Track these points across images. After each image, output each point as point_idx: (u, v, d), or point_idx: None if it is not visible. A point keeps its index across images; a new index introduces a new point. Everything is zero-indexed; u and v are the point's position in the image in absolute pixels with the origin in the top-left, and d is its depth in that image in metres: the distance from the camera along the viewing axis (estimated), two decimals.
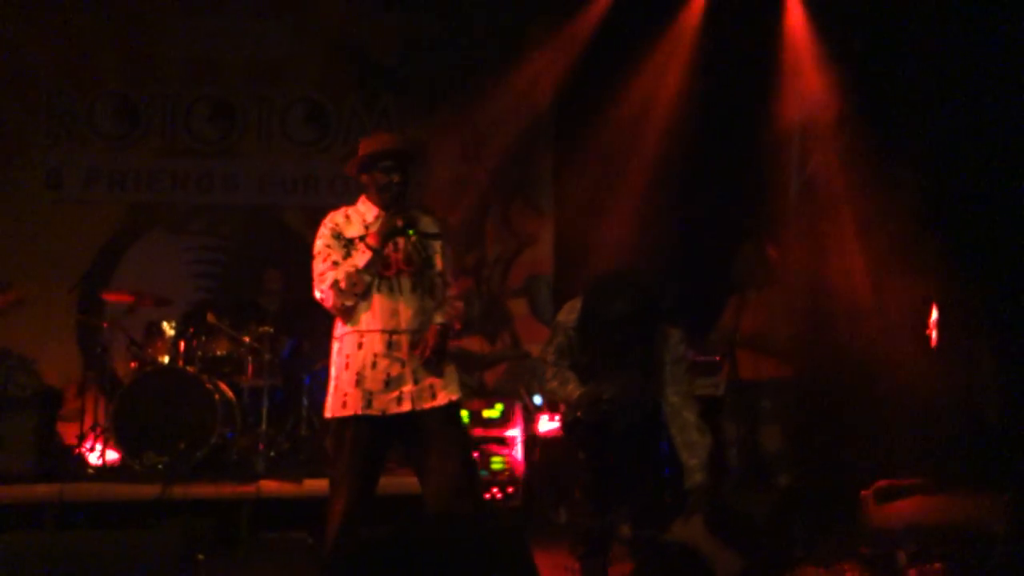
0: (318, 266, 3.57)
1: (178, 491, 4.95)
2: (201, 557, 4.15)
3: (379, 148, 3.65)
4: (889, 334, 5.35)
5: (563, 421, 3.99)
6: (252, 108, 7.15)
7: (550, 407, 3.96)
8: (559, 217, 7.28)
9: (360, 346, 3.50)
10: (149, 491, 4.96)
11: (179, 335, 5.61)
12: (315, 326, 6.44)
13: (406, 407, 3.47)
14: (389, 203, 3.62)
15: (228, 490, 5.09)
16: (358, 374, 3.48)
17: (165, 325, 5.68)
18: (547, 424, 5.79)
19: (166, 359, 5.59)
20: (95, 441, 5.66)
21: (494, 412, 5.86)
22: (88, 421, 5.77)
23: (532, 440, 5.84)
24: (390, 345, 3.48)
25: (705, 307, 5.51)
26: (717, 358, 5.56)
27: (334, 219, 3.65)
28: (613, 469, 3.80)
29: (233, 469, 5.33)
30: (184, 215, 7.06)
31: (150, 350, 5.66)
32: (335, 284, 3.47)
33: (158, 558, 3.42)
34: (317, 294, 3.58)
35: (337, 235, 3.59)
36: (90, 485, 5.20)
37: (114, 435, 5.35)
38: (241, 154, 7.13)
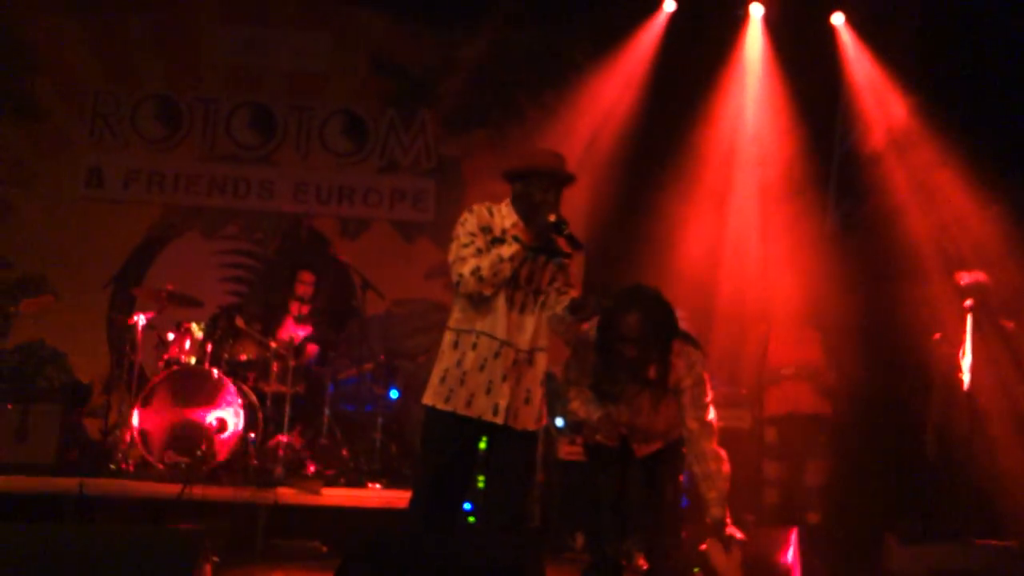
0: (459, 250, 3.53)
1: (196, 492, 4.98)
2: (216, 559, 4.17)
3: (544, 166, 3.62)
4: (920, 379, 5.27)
5: (584, 444, 3.97)
6: (291, 117, 7.24)
7: (572, 429, 3.91)
8: (589, 244, 7.24)
9: (474, 347, 3.51)
10: (168, 490, 4.99)
11: (207, 337, 5.66)
12: (341, 335, 6.51)
13: (500, 419, 3.47)
14: (533, 217, 3.56)
15: (246, 495, 5.11)
16: (465, 373, 3.50)
17: (194, 326, 5.73)
18: (567, 448, 5.75)
19: (193, 360, 5.63)
20: (118, 437, 5.70)
21: None
22: (113, 417, 5.82)
23: (552, 463, 5.80)
24: (497, 355, 3.48)
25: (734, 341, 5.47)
26: (743, 391, 5.52)
27: (481, 210, 3.61)
28: (631, 497, 3.76)
29: (252, 474, 5.35)
30: (219, 219, 7.14)
31: (177, 350, 5.70)
32: (476, 270, 3.45)
33: (172, 557, 3.44)
34: (454, 277, 3.54)
35: (485, 227, 3.55)
36: (110, 481, 5.24)
37: (137, 433, 5.39)
38: (278, 162, 7.21)
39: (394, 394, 6.20)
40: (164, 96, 7.18)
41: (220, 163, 7.16)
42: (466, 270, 3.47)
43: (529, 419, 3.52)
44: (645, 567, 3.95)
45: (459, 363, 3.52)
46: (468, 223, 3.56)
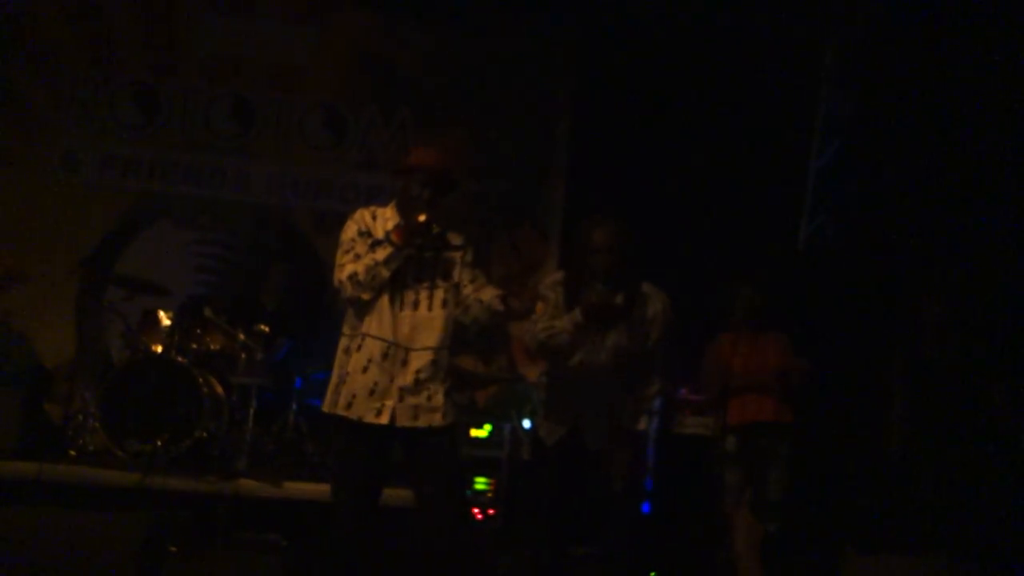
0: (340, 256, 3.60)
1: (157, 481, 4.93)
2: (173, 549, 4.15)
3: (417, 162, 3.66)
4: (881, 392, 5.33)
5: (533, 441, 3.98)
6: (271, 109, 7.20)
7: (539, 352, 3.87)
8: (566, 245, 7.29)
9: (359, 348, 3.54)
10: (128, 478, 4.94)
11: (175, 326, 5.62)
12: (312, 330, 6.48)
13: (384, 419, 3.48)
14: (405, 217, 3.61)
15: (207, 485, 5.07)
16: (347, 375, 3.54)
17: (162, 315, 5.69)
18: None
19: (159, 348, 5.59)
20: (80, 423, 5.65)
21: (482, 433, 5.84)
22: (76, 403, 5.76)
23: (518, 464, 5.81)
24: (386, 355, 3.50)
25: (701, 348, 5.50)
26: (708, 398, 5.54)
27: (363, 215, 3.67)
28: (582, 497, 3.78)
29: (214, 465, 5.30)
30: (193, 208, 7.09)
31: (144, 338, 5.66)
32: (353, 276, 3.49)
33: (127, 543, 3.42)
34: (336, 283, 3.60)
35: (363, 232, 3.60)
36: (70, 467, 5.17)
37: (99, 419, 5.34)
38: (256, 153, 7.17)
39: None
40: (143, 83, 7.13)
41: (197, 152, 7.12)
42: (344, 276, 3.51)
43: (433, 417, 3.50)
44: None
45: (342, 365, 3.57)
46: (348, 230, 3.63)
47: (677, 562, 4.99)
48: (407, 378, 3.49)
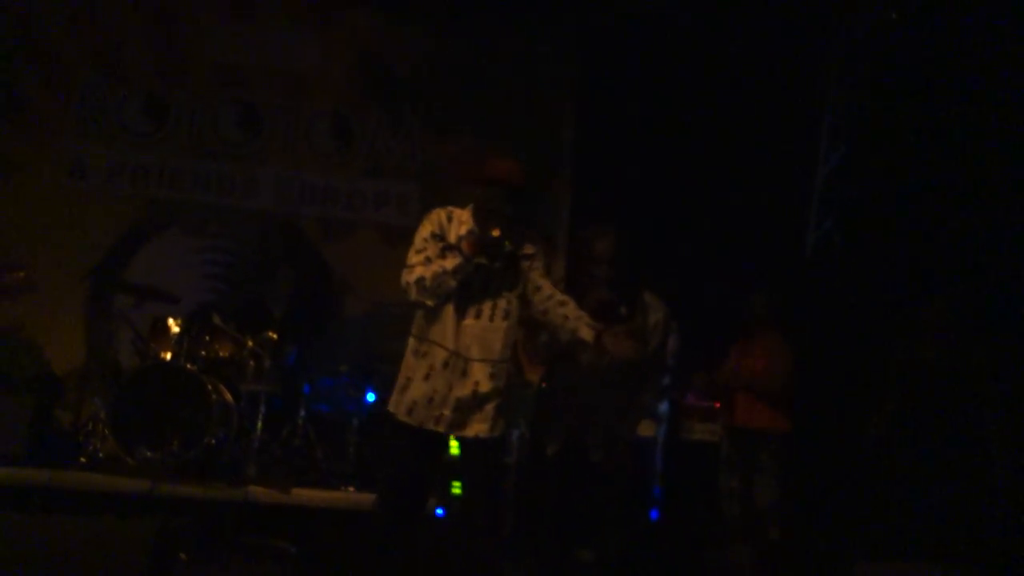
0: (411, 256, 3.57)
1: (167, 488, 4.96)
2: (183, 556, 4.16)
3: (500, 176, 3.64)
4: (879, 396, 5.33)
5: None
6: (278, 116, 7.23)
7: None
8: (571, 254, 7.30)
9: (425, 355, 3.54)
10: (138, 485, 4.96)
11: (184, 333, 5.64)
12: (319, 336, 6.51)
13: (442, 428, 3.50)
14: (483, 228, 3.60)
15: (216, 492, 5.09)
16: (410, 381, 3.54)
17: (171, 322, 5.72)
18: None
19: (169, 356, 5.62)
20: (90, 431, 5.67)
21: None
22: (85, 410, 5.79)
23: (526, 470, 5.82)
24: (446, 365, 3.50)
25: (709, 352, 5.51)
26: (716, 404, 5.56)
27: (439, 216, 3.64)
28: (585, 505, 3.80)
29: (224, 472, 5.33)
30: (201, 216, 7.11)
31: (154, 345, 5.69)
32: (420, 280, 3.47)
33: (137, 550, 3.44)
34: (402, 284, 3.56)
35: (437, 234, 3.58)
36: (80, 474, 5.21)
37: (110, 426, 5.37)
38: (263, 160, 7.20)
39: (370, 397, 6.20)
40: (151, 91, 7.16)
41: (205, 160, 7.15)
42: (412, 279, 3.48)
43: (482, 427, 3.50)
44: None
45: (410, 370, 3.56)
46: (423, 229, 3.60)
47: (686, 568, 4.99)
48: (465, 389, 3.50)
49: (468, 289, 3.49)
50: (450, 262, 3.46)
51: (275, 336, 5.79)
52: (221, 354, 5.75)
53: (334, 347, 6.59)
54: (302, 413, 5.83)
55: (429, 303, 3.48)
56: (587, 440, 3.79)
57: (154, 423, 5.28)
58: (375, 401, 6.22)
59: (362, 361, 6.31)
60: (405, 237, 6.99)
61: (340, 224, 7.20)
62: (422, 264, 3.50)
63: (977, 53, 5.67)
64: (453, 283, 3.45)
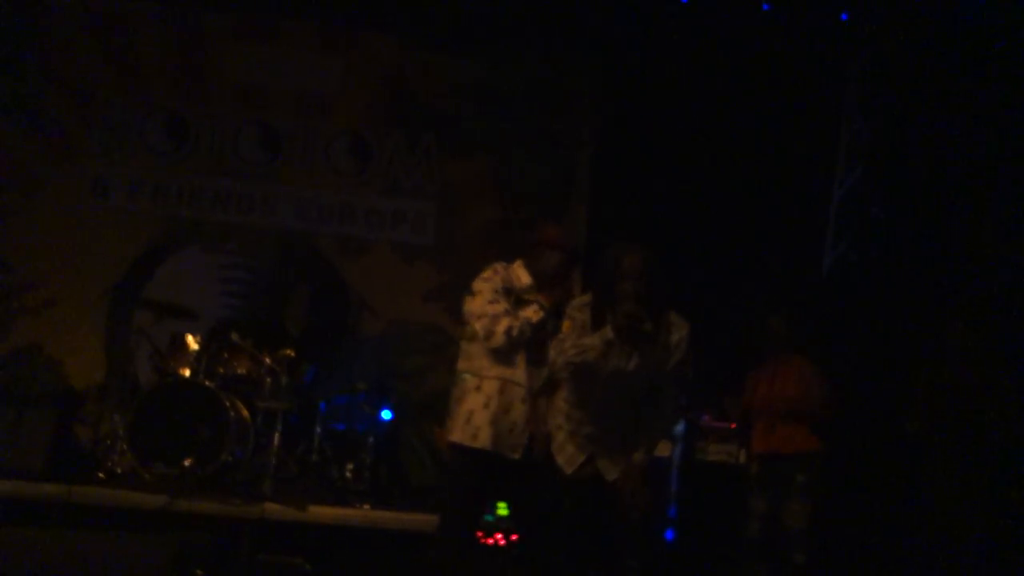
0: (487, 306, 3.96)
1: (184, 504, 4.99)
2: (199, 572, 4.18)
3: (562, 242, 4.17)
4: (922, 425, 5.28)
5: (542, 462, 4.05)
6: (297, 137, 7.29)
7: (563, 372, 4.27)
8: (589, 270, 7.30)
9: (501, 392, 3.96)
10: (155, 501, 5.00)
11: (202, 350, 5.68)
12: (336, 354, 6.55)
13: (518, 455, 3.96)
14: (548, 287, 4.08)
15: (232, 509, 5.11)
16: (494, 415, 3.92)
17: (190, 339, 5.76)
18: None
19: (187, 372, 5.66)
20: (108, 446, 5.71)
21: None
22: (104, 426, 5.83)
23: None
24: (523, 400, 3.98)
25: (726, 376, 5.51)
26: (732, 425, 5.54)
27: (505, 271, 4.08)
28: (600, 526, 3.80)
29: (240, 488, 5.35)
30: (221, 234, 7.17)
31: (172, 362, 5.73)
32: (509, 330, 3.91)
33: (154, 566, 3.46)
34: (482, 330, 3.96)
35: (508, 289, 4.01)
36: (99, 489, 5.23)
37: (128, 442, 5.40)
38: (282, 180, 7.25)
39: (386, 415, 6.22)
40: (172, 110, 7.25)
41: (225, 178, 7.21)
42: (500, 328, 3.90)
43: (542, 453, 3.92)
44: None
45: (486, 405, 3.93)
46: (493, 281, 4.01)
47: None
48: (534, 421, 3.97)
49: (535, 338, 3.98)
50: (534, 315, 3.95)
51: (292, 354, 5.82)
52: (239, 371, 5.78)
53: (350, 365, 6.61)
54: (318, 430, 5.85)
55: (514, 354, 3.96)
56: (603, 460, 3.78)
57: (172, 439, 5.32)
58: (391, 419, 6.24)
59: (378, 379, 6.34)
60: (421, 255, 7.20)
61: (357, 242, 7.25)
62: (505, 314, 3.93)
63: (992, 74, 5.68)
64: (530, 332, 3.94)
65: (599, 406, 3.77)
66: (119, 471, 5.46)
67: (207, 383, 5.52)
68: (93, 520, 4.94)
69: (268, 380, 5.72)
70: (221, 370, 5.71)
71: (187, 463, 5.21)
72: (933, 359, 5.22)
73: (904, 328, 5.92)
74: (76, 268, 6.83)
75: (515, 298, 3.99)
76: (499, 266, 4.06)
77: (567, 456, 3.82)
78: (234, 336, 5.76)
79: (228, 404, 5.42)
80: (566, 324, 3.77)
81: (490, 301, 3.93)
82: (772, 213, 6.44)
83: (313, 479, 5.70)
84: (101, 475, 5.44)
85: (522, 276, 4.06)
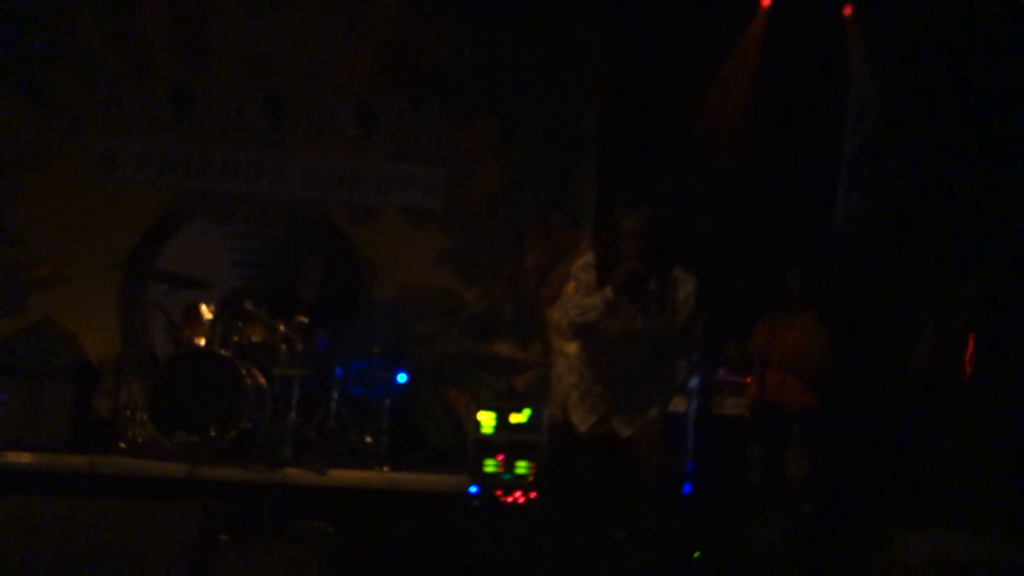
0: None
1: (205, 472, 5.05)
2: (224, 538, 4.24)
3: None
4: (923, 367, 5.30)
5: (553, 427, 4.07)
6: (303, 103, 7.25)
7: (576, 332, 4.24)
8: (598, 232, 7.29)
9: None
10: (177, 469, 5.06)
11: (216, 319, 5.71)
12: (350, 320, 6.57)
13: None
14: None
15: (254, 474, 5.17)
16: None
17: (203, 308, 5.79)
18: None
19: (202, 342, 5.69)
20: (129, 417, 5.77)
21: (521, 417, 5.88)
22: (123, 397, 5.88)
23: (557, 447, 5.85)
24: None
25: (736, 327, 5.51)
26: (747, 379, 5.55)
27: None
28: (617, 483, 3.82)
29: (260, 455, 5.41)
30: (230, 203, 7.17)
31: (187, 332, 5.77)
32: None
33: (179, 533, 3.50)
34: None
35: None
36: (120, 459, 5.31)
37: (147, 412, 5.46)
38: (289, 147, 7.23)
39: (402, 378, 6.25)
40: (177, 80, 7.21)
41: (232, 148, 7.19)
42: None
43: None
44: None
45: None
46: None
47: (720, 542, 5.01)
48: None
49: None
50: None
51: (306, 320, 5.85)
52: (253, 339, 5.82)
53: (364, 330, 6.64)
54: (335, 396, 5.89)
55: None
56: (617, 417, 3.80)
57: (190, 408, 5.37)
58: (406, 382, 6.28)
59: (393, 343, 6.37)
60: (431, 219, 7.19)
61: (366, 208, 7.24)
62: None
63: (1007, 24, 5.59)
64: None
65: (610, 365, 3.78)
66: (140, 441, 5.53)
67: (223, 352, 5.55)
68: (116, 490, 5.00)
69: (283, 347, 5.76)
70: (236, 338, 5.74)
71: (207, 431, 5.26)
72: (943, 312, 5.22)
73: (916, 280, 5.91)
74: (87, 242, 6.84)
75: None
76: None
77: (581, 415, 3.84)
78: (248, 304, 5.79)
79: (245, 372, 5.46)
80: (571, 285, 3.77)
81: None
82: (783, 166, 6.39)
83: (331, 444, 5.76)
84: (122, 445, 5.50)
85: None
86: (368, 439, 5.88)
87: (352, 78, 7.32)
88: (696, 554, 4.27)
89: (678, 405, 5.32)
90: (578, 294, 3.73)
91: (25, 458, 5.12)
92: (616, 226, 3.69)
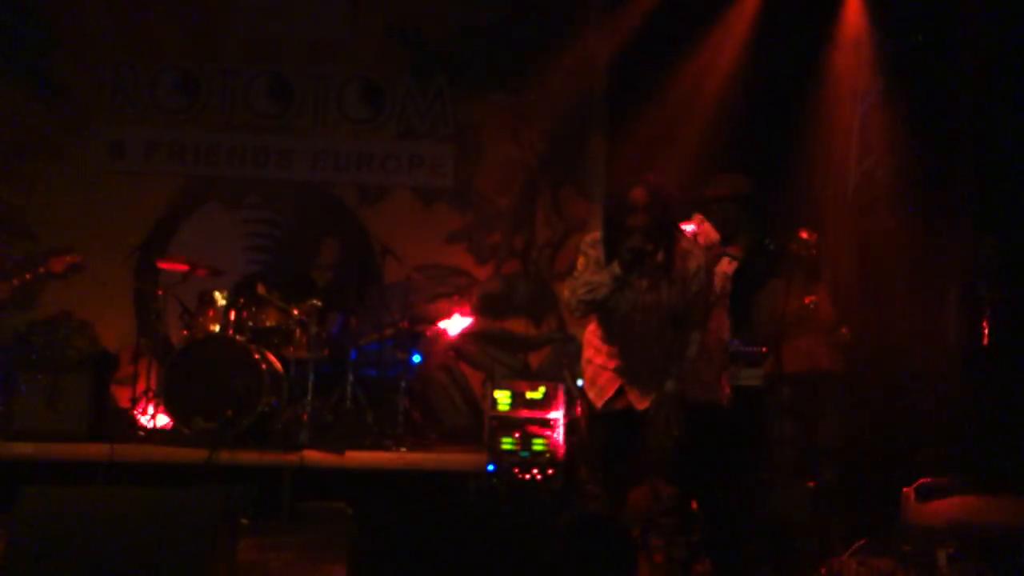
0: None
1: (224, 457, 5.07)
2: (245, 521, 4.27)
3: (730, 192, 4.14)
4: (935, 334, 5.27)
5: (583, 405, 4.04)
6: (309, 85, 7.23)
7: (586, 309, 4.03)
8: (608, 206, 7.24)
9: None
10: (196, 455, 5.09)
11: (230, 305, 5.73)
12: (363, 302, 6.57)
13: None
14: (731, 238, 4.09)
15: (272, 458, 5.21)
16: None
17: (217, 295, 5.80)
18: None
19: (217, 328, 5.71)
20: (147, 405, 5.81)
21: (537, 394, 5.89)
22: (141, 385, 5.93)
23: (574, 423, 5.86)
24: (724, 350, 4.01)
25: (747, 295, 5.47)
26: (763, 349, 5.52)
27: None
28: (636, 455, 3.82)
29: (278, 438, 5.44)
30: (239, 189, 7.17)
31: (201, 319, 5.78)
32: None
33: (200, 517, 3.52)
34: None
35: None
36: (140, 447, 5.36)
37: (164, 400, 5.50)
38: (296, 130, 7.22)
39: (416, 359, 6.26)
40: (183, 67, 7.20)
41: (239, 133, 7.19)
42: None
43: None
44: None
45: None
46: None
47: (740, 510, 5.00)
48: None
49: None
50: (728, 266, 4.01)
51: (319, 304, 5.85)
52: (267, 324, 5.82)
53: (378, 311, 6.64)
54: (350, 378, 5.90)
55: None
56: (632, 391, 3.79)
57: (207, 394, 5.39)
58: (421, 362, 6.29)
59: (406, 323, 6.37)
60: (441, 198, 7.18)
61: (376, 189, 7.23)
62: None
63: None
64: (730, 285, 4.04)
65: (625, 340, 3.75)
66: (158, 428, 5.56)
67: (238, 337, 5.57)
68: (137, 477, 5.05)
69: (297, 331, 5.77)
70: (250, 324, 5.75)
71: (224, 417, 5.28)
72: (965, 276, 5.17)
73: (935, 244, 5.85)
74: (99, 232, 6.87)
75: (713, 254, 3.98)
76: (695, 221, 4.08)
77: (598, 389, 3.83)
78: (260, 289, 5.80)
79: (259, 357, 5.47)
80: (580, 260, 3.72)
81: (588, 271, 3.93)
82: (795, 130, 6.33)
83: (348, 425, 5.77)
84: (141, 433, 5.54)
85: (710, 232, 4.07)
86: (384, 420, 5.89)
87: (357, 58, 7.29)
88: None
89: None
90: (587, 270, 3.70)
91: (42, 448, 5.16)
92: (621, 199, 3.65)
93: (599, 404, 3.81)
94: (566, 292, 3.79)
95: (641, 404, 3.76)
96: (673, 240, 3.65)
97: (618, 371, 3.78)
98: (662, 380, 3.74)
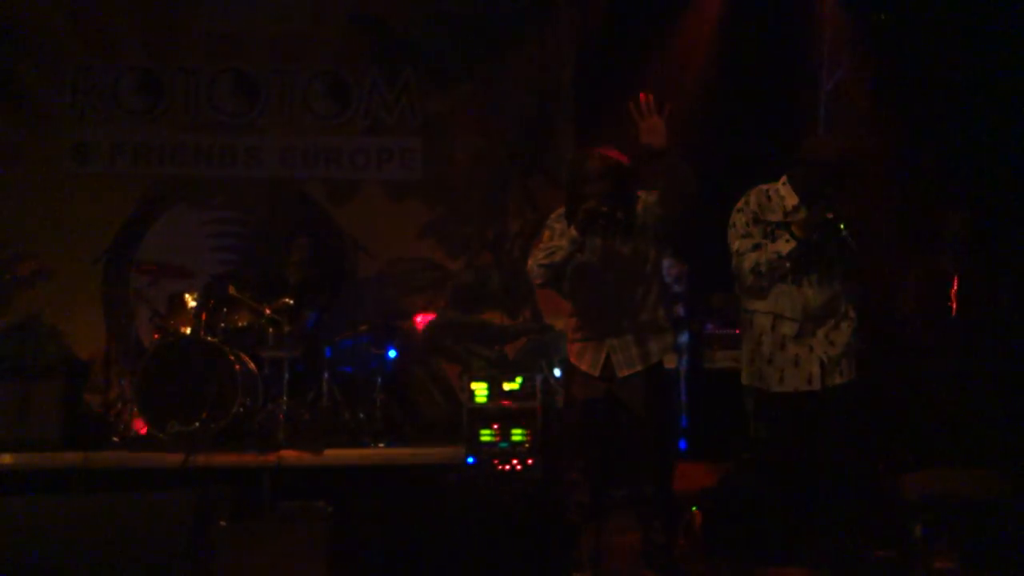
0: (738, 241, 3.84)
1: (200, 459, 5.04)
2: (222, 523, 4.23)
3: (822, 159, 3.82)
4: (913, 307, 5.31)
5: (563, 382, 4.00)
6: (274, 82, 7.16)
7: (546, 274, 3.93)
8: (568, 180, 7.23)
9: (773, 328, 3.83)
10: (172, 459, 5.05)
11: (201, 307, 5.68)
12: (336, 299, 6.53)
13: (816, 386, 3.79)
14: (810, 202, 3.79)
15: (249, 459, 5.18)
16: (771, 352, 3.83)
17: (187, 297, 5.75)
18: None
19: (188, 330, 5.66)
20: (120, 410, 5.75)
21: (514, 385, 5.88)
22: (113, 390, 5.86)
23: (552, 412, 5.86)
24: (799, 332, 3.80)
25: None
26: (737, 331, 5.55)
27: (758, 200, 3.87)
28: (617, 442, 3.82)
29: (254, 439, 5.41)
30: (207, 189, 7.10)
31: (173, 321, 5.73)
32: (756, 267, 3.77)
33: (177, 521, 3.49)
34: (734, 268, 3.85)
35: (758, 219, 3.84)
36: (114, 453, 5.31)
37: (138, 405, 5.44)
38: (263, 128, 7.15)
39: (392, 354, 6.24)
40: (145, 68, 7.11)
41: (204, 132, 7.11)
42: (747, 265, 3.78)
43: (846, 376, 3.85)
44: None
45: (755, 341, 3.86)
46: (745, 212, 3.84)
47: (716, 497, 5.02)
48: (820, 349, 3.82)
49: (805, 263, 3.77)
50: (784, 247, 3.74)
51: (292, 302, 5.82)
52: (240, 324, 5.79)
53: (351, 308, 6.61)
54: (326, 375, 5.87)
55: (765, 285, 3.79)
56: (617, 356, 3.79)
57: (181, 397, 5.35)
58: (397, 357, 6.26)
59: (381, 319, 6.34)
60: (411, 192, 7.14)
61: (345, 184, 7.18)
62: (752, 249, 3.78)
63: None
64: (788, 265, 3.75)
65: (602, 301, 3.78)
66: (133, 434, 5.50)
67: (209, 339, 5.52)
68: (112, 483, 4.99)
69: (270, 330, 5.73)
70: (222, 325, 5.71)
71: (199, 419, 5.24)
72: (928, 249, 5.22)
73: (901, 219, 5.90)
74: (66, 236, 6.79)
75: (770, 228, 3.81)
76: (753, 193, 3.87)
77: (589, 361, 3.82)
78: (231, 289, 5.75)
79: (233, 357, 5.43)
80: (545, 234, 3.77)
81: (742, 236, 3.82)
82: (762, 108, 6.35)
83: (326, 423, 5.74)
84: (116, 439, 5.48)
85: (787, 197, 3.84)
86: (361, 416, 5.86)
87: (322, 53, 7.22)
88: (693, 508, 4.27)
89: (669, 362, 5.32)
90: (552, 242, 3.73)
91: (17, 458, 5.10)
92: (575, 173, 3.68)
93: (595, 373, 3.79)
94: (529, 262, 3.80)
95: (623, 371, 3.77)
96: (634, 199, 3.68)
97: (601, 335, 3.78)
98: (646, 337, 3.75)
